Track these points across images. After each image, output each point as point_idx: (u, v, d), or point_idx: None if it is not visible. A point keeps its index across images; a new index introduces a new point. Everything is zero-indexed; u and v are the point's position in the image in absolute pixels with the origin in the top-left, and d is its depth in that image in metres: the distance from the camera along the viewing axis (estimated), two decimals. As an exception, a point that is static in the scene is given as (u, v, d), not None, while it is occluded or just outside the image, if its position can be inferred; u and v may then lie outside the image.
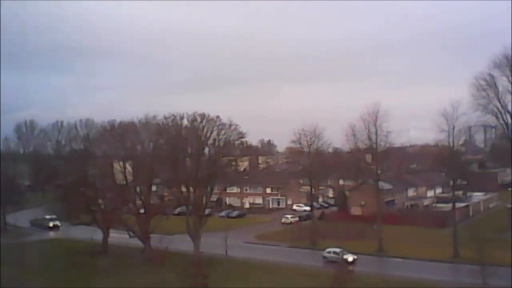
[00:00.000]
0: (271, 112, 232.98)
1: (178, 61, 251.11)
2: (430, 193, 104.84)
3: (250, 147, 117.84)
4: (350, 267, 47.18)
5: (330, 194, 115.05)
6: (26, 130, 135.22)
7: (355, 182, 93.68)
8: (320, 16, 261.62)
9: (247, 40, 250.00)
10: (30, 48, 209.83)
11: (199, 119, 64.00)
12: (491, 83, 57.88)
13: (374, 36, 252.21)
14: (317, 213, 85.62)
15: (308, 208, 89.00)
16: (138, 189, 67.69)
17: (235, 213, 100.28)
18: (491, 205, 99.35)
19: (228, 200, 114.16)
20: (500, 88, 57.46)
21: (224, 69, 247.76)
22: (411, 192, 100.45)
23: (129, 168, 68.26)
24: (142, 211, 66.10)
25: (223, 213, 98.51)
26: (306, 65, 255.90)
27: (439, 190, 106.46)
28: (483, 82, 58.15)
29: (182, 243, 61.59)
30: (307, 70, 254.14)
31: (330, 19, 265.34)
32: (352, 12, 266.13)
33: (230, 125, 64.21)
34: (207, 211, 69.43)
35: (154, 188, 71.83)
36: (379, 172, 70.37)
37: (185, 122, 65.52)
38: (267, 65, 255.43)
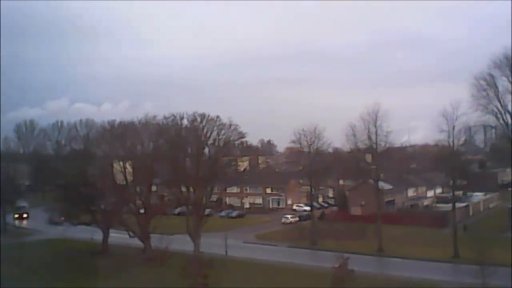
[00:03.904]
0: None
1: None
2: (430, 193, 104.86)
3: (250, 147, 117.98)
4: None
5: (330, 194, 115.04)
6: (26, 130, 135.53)
7: (355, 182, 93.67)
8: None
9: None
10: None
11: (199, 119, 64.03)
12: (491, 83, 58.00)
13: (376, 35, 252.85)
14: (317, 213, 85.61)
15: (308, 208, 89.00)
16: (138, 189, 67.73)
17: (235, 213, 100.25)
18: (491, 205, 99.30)
19: (228, 200, 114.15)
20: (500, 88, 57.64)
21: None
22: (411, 192, 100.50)
23: (129, 168, 68.25)
24: (142, 211, 66.14)
25: (223, 213, 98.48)
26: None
27: (439, 190, 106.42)
28: (483, 82, 58.29)
29: (182, 243, 61.55)
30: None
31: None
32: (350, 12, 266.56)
33: (230, 125, 64.25)
34: (207, 211, 69.46)
35: (154, 188, 71.86)
36: (379, 172, 70.40)
37: (185, 122, 65.65)
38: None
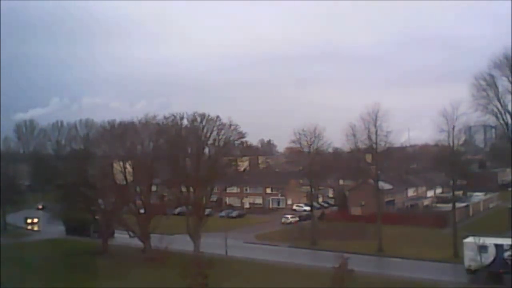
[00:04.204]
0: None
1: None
2: (430, 193, 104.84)
3: (250, 147, 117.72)
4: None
5: (330, 194, 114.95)
6: (26, 130, 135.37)
7: (355, 182, 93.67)
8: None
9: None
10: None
11: (199, 119, 64.09)
12: (491, 83, 58.02)
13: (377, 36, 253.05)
14: (317, 213, 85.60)
15: (308, 208, 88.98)
16: (138, 189, 67.73)
17: (235, 213, 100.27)
18: (491, 205, 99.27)
19: (228, 200, 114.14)
20: (500, 88, 57.66)
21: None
22: (411, 192, 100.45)
23: (129, 168, 68.26)
24: (142, 211, 66.16)
25: (223, 213, 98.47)
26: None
27: (439, 190, 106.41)
28: (483, 82, 58.31)
29: (182, 243, 61.63)
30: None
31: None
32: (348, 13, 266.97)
33: (230, 125, 64.31)
34: (207, 211, 69.49)
35: (154, 188, 71.84)
36: (379, 172, 70.39)
37: (185, 122, 65.68)
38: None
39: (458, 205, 74.88)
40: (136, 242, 64.65)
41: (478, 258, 46.00)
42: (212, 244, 64.83)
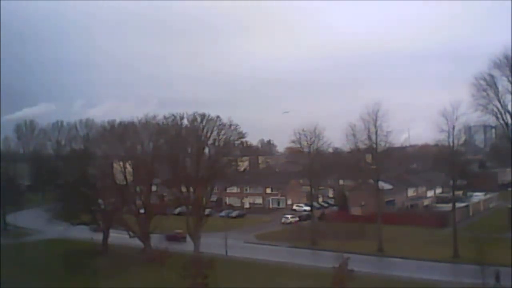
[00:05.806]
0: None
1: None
2: (430, 193, 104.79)
3: (250, 147, 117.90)
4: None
5: (330, 194, 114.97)
6: (26, 130, 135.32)
7: (355, 182, 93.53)
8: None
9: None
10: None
11: (199, 119, 64.10)
12: (491, 83, 57.83)
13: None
14: (317, 213, 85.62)
15: (308, 208, 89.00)
16: (138, 189, 67.77)
17: (235, 213, 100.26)
18: (491, 205, 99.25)
19: (228, 200, 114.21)
20: (500, 88, 57.43)
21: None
22: (411, 192, 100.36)
23: (129, 168, 68.30)
24: (142, 211, 66.16)
25: (223, 213, 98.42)
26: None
27: (439, 190, 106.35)
28: (483, 82, 58.12)
29: (182, 243, 61.60)
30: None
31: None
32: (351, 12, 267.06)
33: (230, 125, 64.34)
34: (207, 211, 69.53)
35: (154, 188, 71.87)
36: (379, 172, 70.37)
37: (185, 122, 65.72)
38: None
39: (458, 205, 74.86)
40: (136, 242, 64.65)
41: None
42: (212, 244, 64.86)
